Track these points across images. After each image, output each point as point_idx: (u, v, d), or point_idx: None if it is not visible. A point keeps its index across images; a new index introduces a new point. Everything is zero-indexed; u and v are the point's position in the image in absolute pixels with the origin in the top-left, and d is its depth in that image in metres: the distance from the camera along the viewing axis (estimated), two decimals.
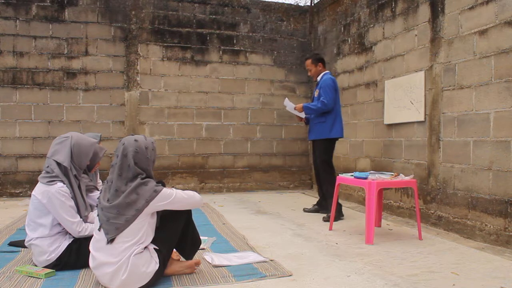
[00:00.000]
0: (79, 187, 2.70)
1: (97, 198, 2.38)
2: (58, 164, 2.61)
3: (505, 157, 3.32)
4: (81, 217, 2.69)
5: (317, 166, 4.71)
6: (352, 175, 3.75)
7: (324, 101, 4.44)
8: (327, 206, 4.51)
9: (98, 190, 3.33)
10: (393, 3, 4.84)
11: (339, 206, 4.46)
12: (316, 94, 4.64)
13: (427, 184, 4.22)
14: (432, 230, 3.95)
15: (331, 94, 4.48)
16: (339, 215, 4.46)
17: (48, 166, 2.62)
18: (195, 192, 2.48)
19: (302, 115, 4.72)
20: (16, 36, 5.80)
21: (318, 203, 4.86)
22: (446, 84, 3.97)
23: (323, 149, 4.59)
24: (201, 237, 2.67)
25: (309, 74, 4.83)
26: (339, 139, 4.68)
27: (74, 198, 2.64)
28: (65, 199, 2.54)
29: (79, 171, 2.73)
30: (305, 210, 4.90)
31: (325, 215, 4.44)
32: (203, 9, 6.55)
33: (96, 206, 2.33)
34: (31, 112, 5.85)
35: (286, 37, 6.93)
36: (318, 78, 4.68)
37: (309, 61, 4.73)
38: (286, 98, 4.88)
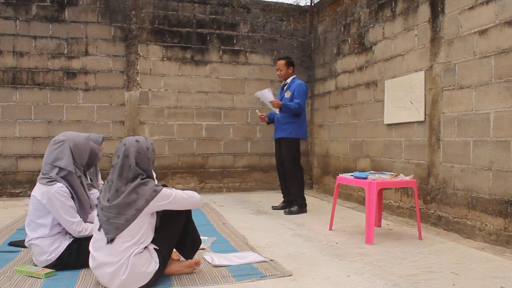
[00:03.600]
0: (81, 184, 2.70)
1: (97, 198, 2.38)
2: (61, 169, 2.60)
3: (505, 157, 3.32)
4: (86, 214, 2.69)
5: (282, 164, 4.96)
6: (352, 175, 3.75)
7: (301, 103, 4.77)
8: (291, 202, 4.90)
9: (95, 188, 3.33)
10: (393, 3, 4.84)
11: (304, 201, 4.88)
12: (287, 95, 4.87)
13: (427, 184, 4.22)
14: (432, 230, 3.95)
15: (305, 98, 4.88)
16: (302, 210, 4.83)
17: (46, 173, 2.61)
18: (195, 192, 2.48)
19: (275, 111, 4.90)
20: (16, 36, 5.80)
21: (285, 201, 5.07)
22: (446, 84, 3.97)
23: (291, 147, 4.85)
24: (201, 237, 2.67)
25: (278, 73, 5.00)
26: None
27: (78, 197, 2.64)
28: (65, 199, 2.54)
29: (81, 169, 2.74)
30: (274, 208, 5.08)
31: (286, 209, 4.82)
32: (203, 9, 6.55)
33: (96, 206, 2.33)
34: (31, 112, 5.85)
35: (286, 37, 6.93)
36: (288, 81, 4.94)
37: (282, 62, 4.95)
38: (269, 89, 4.91)
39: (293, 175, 4.87)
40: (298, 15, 7.02)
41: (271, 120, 5.10)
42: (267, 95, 4.83)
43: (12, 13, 5.78)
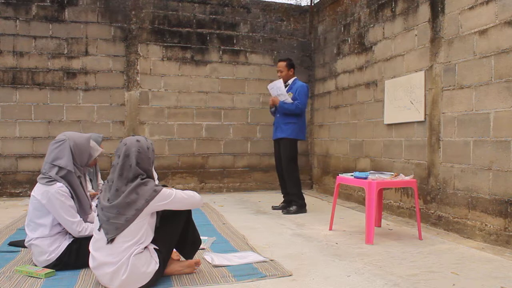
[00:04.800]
0: (81, 184, 2.70)
1: (97, 198, 2.38)
2: (60, 168, 2.60)
3: (505, 157, 3.32)
4: (86, 214, 2.69)
5: (281, 164, 4.99)
6: (352, 175, 3.75)
7: (299, 105, 4.79)
8: (291, 202, 4.91)
9: (92, 189, 3.32)
10: (393, 3, 4.84)
11: (303, 201, 4.90)
12: (289, 96, 4.85)
13: (427, 184, 4.22)
14: (432, 230, 3.95)
15: (305, 100, 4.90)
16: (300, 209, 4.84)
17: (46, 172, 2.61)
18: (195, 192, 2.48)
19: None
20: (16, 36, 5.80)
21: (285, 201, 5.09)
22: (446, 84, 3.97)
23: (290, 148, 4.89)
24: (201, 237, 2.67)
25: (278, 74, 5.01)
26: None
27: (78, 197, 2.64)
28: (64, 199, 2.54)
29: (81, 169, 2.74)
30: (274, 208, 5.10)
31: (284, 209, 4.85)
32: (203, 9, 6.55)
33: (96, 206, 2.33)
34: (31, 112, 5.85)
35: (286, 37, 6.93)
36: (289, 82, 4.95)
37: (283, 63, 4.96)
38: (281, 80, 4.86)
39: (290, 175, 4.89)
40: (298, 15, 7.02)
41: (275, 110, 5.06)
42: (277, 87, 4.81)
43: (12, 13, 5.78)
